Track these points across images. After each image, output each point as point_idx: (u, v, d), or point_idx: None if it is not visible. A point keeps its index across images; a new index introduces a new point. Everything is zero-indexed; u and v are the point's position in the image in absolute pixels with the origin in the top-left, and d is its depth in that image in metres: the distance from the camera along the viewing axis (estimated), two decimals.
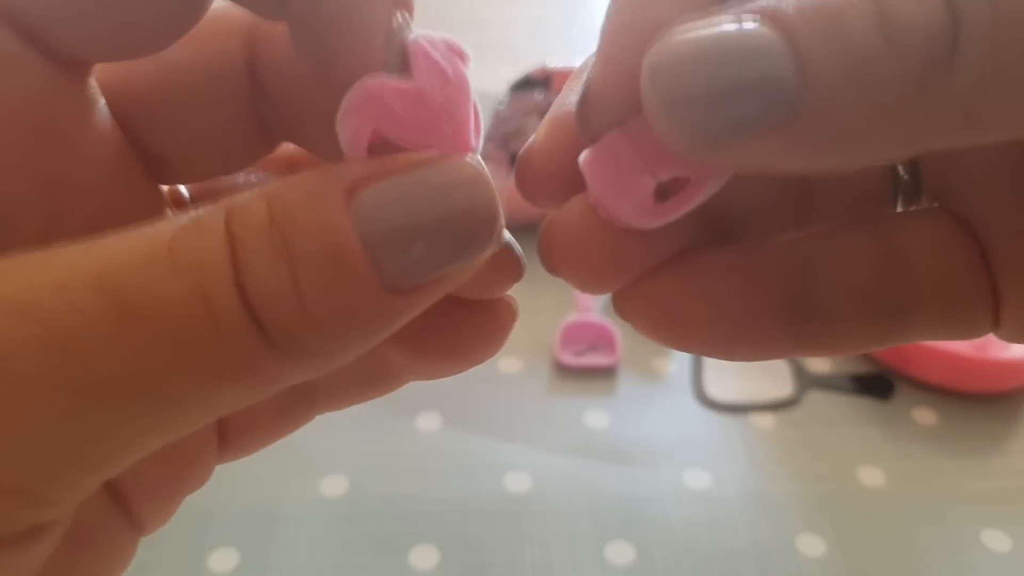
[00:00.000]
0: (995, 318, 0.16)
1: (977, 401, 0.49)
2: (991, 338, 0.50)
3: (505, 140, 0.62)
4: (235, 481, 0.43)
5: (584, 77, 0.15)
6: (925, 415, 0.48)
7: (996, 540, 0.42)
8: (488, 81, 0.79)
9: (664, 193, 0.15)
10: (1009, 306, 0.16)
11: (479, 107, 0.15)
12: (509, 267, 0.16)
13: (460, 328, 0.17)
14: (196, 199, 0.17)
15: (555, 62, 0.64)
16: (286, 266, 0.11)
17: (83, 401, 0.11)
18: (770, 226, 0.17)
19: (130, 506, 0.16)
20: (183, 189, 0.17)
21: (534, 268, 0.53)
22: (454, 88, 0.14)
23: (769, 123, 0.12)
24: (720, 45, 0.12)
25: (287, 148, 0.17)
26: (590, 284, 0.16)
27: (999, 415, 0.48)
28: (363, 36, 0.13)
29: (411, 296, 0.13)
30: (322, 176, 0.12)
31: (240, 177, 0.17)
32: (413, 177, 0.12)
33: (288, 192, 0.12)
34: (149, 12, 0.13)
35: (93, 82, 0.14)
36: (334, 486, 0.43)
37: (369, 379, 0.19)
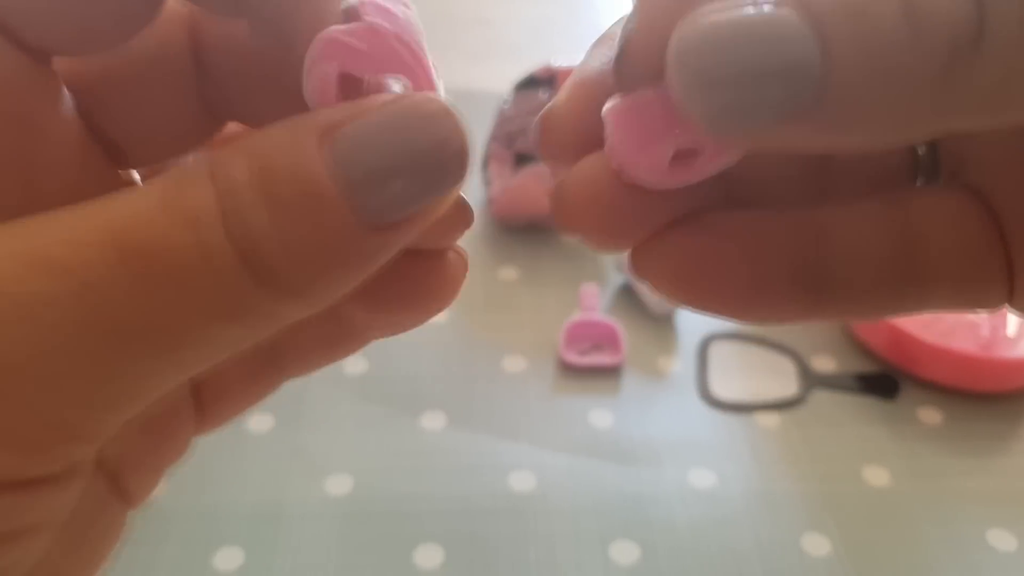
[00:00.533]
0: (1009, 291, 0.16)
1: (983, 400, 0.49)
2: (997, 338, 0.50)
3: (510, 139, 0.62)
4: (240, 480, 0.43)
5: (621, 31, 0.15)
6: (931, 414, 0.48)
7: (1002, 540, 0.42)
8: (492, 80, 0.79)
9: (681, 157, 0.15)
10: (1023, 278, 0.16)
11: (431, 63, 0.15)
12: (460, 215, 0.16)
13: (415, 279, 0.17)
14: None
15: (559, 61, 0.63)
16: (267, 212, 0.12)
17: (105, 344, 0.12)
18: (787, 196, 0.18)
19: (118, 478, 0.17)
20: (135, 174, 0.17)
21: (538, 269, 0.53)
22: (402, 20, 0.14)
23: (794, 108, 0.12)
24: (747, 29, 0.12)
25: (233, 128, 0.17)
26: (603, 241, 0.16)
27: (1005, 414, 0.48)
28: (318, 19, 0.14)
29: (389, 233, 0.13)
30: (296, 123, 0.13)
31: (189, 159, 0.17)
32: (383, 115, 0.13)
33: (265, 142, 0.13)
34: (108, 10, 0.14)
35: (55, 68, 0.15)
36: (339, 485, 0.44)
37: (333, 339, 0.19)
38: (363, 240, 0.13)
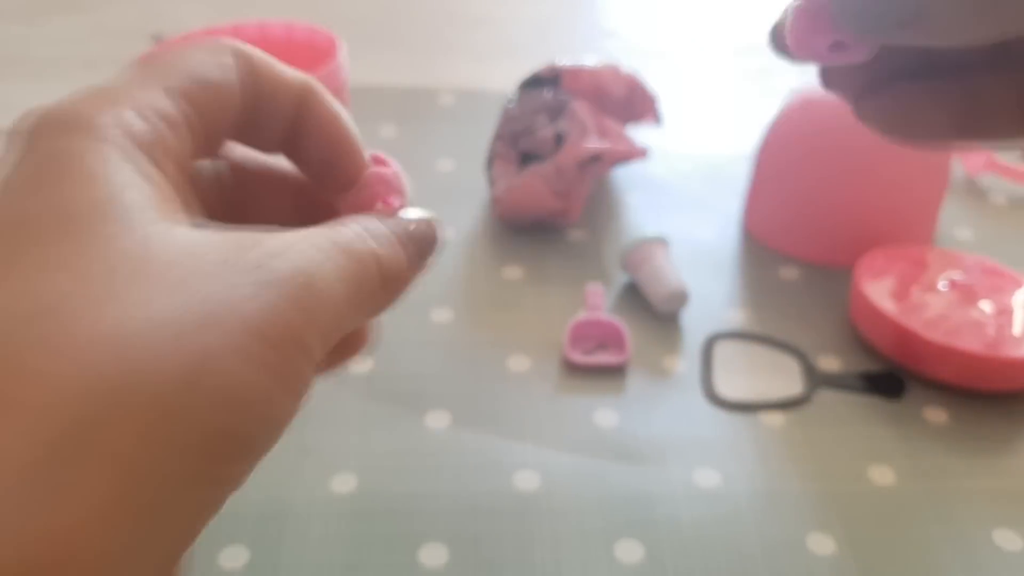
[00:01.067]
0: None
1: (988, 400, 0.49)
2: (1003, 337, 0.50)
3: (514, 138, 0.62)
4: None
5: None
6: (936, 414, 0.48)
7: (1007, 539, 0.41)
8: (497, 79, 0.79)
9: (837, 46, 0.24)
10: None
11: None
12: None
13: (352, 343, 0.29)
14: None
15: (564, 60, 0.63)
16: (402, 267, 0.26)
17: (363, 308, 0.24)
18: (962, 66, 0.26)
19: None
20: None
21: (542, 268, 0.53)
22: (394, 164, 0.28)
23: (903, 21, 0.22)
24: None
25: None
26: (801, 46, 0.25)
27: (1010, 414, 0.48)
28: (359, 165, 0.27)
29: (420, 271, 0.26)
30: (390, 224, 0.26)
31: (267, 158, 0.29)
32: (420, 224, 0.26)
33: (388, 251, 0.25)
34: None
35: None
36: (344, 484, 0.44)
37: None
38: (412, 275, 0.26)
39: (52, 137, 0.23)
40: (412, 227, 0.27)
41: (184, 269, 0.21)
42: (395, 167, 0.28)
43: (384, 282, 0.25)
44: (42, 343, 0.18)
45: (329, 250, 0.23)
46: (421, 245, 0.27)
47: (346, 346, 0.28)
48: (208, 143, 0.26)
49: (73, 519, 0.18)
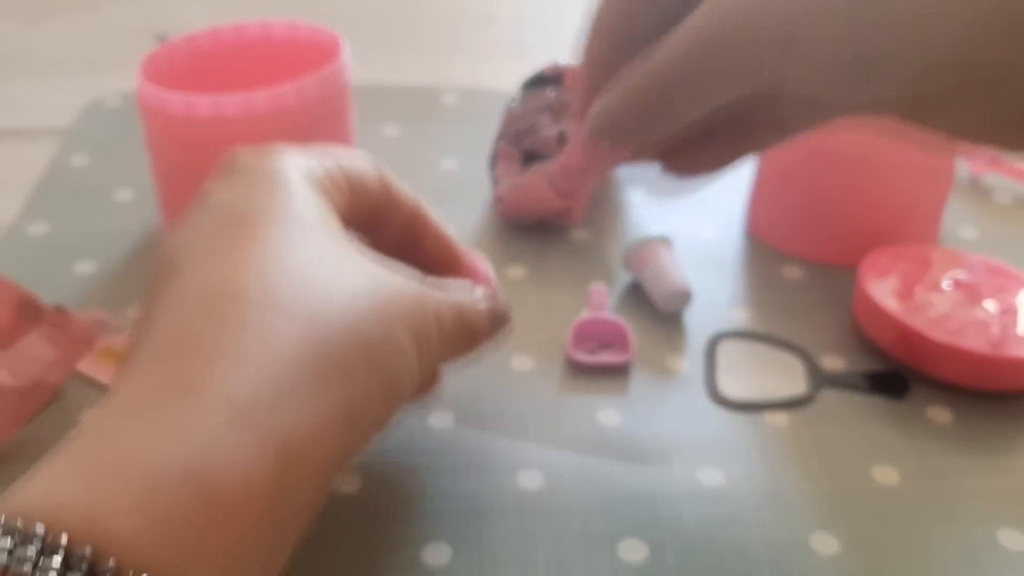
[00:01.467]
0: None
1: (993, 399, 0.49)
2: (1007, 336, 0.50)
3: (518, 137, 0.62)
4: None
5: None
6: (940, 413, 0.48)
7: (1012, 539, 0.41)
8: (500, 79, 0.79)
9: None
10: None
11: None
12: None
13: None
14: None
15: (567, 59, 0.63)
16: (488, 321, 0.37)
17: (454, 350, 0.35)
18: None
19: None
20: None
21: (546, 267, 0.53)
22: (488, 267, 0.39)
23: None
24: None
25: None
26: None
27: (1015, 413, 0.48)
28: (458, 257, 0.39)
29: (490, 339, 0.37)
30: (481, 300, 0.36)
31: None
32: (500, 301, 0.38)
33: (480, 316, 0.36)
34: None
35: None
36: (347, 484, 0.44)
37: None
38: (487, 339, 0.36)
39: (249, 159, 0.29)
40: (498, 304, 0.37)
41: (365, 268, 0.28)
42: (486, 264, 0.39)
43: (472, 335, 0.34)
44: (278, 305, 0.25)
45: (452, 303, 0.32)
46: (500, 318, 0.37)
47: (426, 378, 0.37)
48: (350, 219, 0.32)
49: (316, 423, 0.25)
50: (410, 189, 0.39)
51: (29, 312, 0.44)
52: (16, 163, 0.69)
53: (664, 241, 0.56)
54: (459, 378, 0.49)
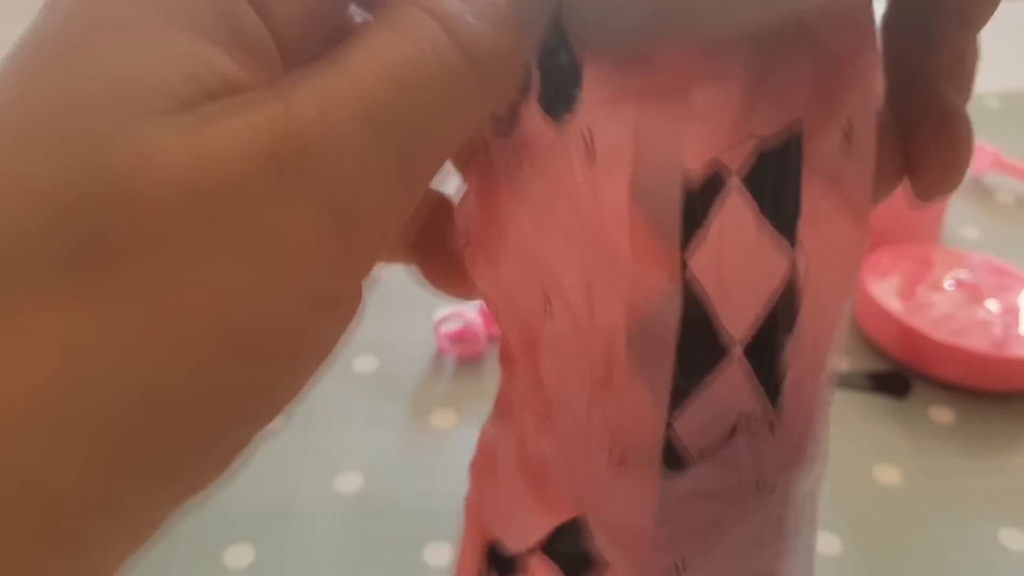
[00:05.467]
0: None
1: (995, 399, 0.48)
2: (1009, 336, 0.49)
3: None
4: (251, 478, 0.43)
5: None
6: (942, 413, 0.48)
7: (1014, 539, 0.41)
8: None
9: None
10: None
11: None
12: None
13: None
14: None
15: None
16: (481, 27, 0.16)
17: (442, 109, 0.16)
18: None
19: None
20: None
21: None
22: None
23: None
24: None
25: None
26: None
27: (1017, 413, 0.48)
28: None
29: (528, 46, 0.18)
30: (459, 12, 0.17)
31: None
32: None
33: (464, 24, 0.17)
34: None
35: None
36: (349, 483, 0.44)
37: None
38: (515, 49, 0.17)
39: None
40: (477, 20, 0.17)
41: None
42: None
43: (472, 63, 0.16)
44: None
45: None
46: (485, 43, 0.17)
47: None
48: None
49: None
50: None
51: None
52: None
53: None
54: (460, 377, 0.49)
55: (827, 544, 0.41)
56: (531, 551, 0.21)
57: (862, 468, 0.45)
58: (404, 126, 0.15)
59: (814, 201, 0.18)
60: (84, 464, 0.14)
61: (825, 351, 0.19)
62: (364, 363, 0.50)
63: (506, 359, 0.21)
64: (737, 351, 0.18)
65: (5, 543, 0.14)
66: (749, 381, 0.18)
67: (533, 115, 0.18)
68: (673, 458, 0.18)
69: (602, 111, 0.17)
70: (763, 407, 0.19)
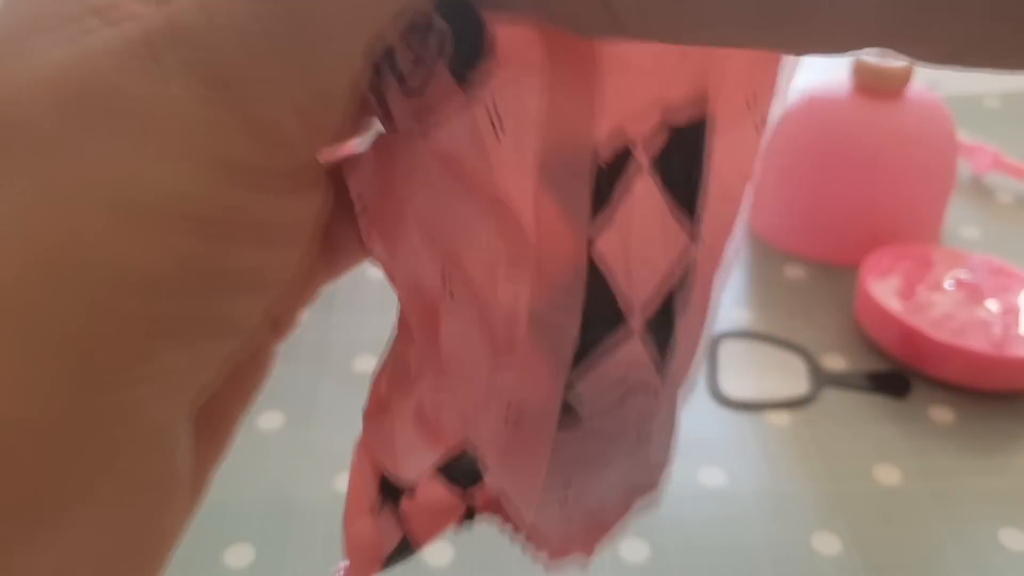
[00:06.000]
0: None
1: (994, 399, 0.48)
2: (1009, 336, 0.49)
3: None
4: (251, 477, 0.43)
5: None
6: (942, 413, 0.48)
7: (1014, 539, 0.41)
8: None
9: None
10: None
11: None
12: None
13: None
14: None
15: None
16: None
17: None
18: None
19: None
20: None
21: None
22: None
23: None
24: None
25: None
26: None
27: (1017, 413, 0.48)
28: None
29: None
30: None
31: None
32: None
33: None
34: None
35: None
36: (347, 483, 0.44)
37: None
38: None
39: None
40: None
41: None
42: None
43: None
44: None
45: None
46: None
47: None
48: None
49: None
50: None
51: None
52: None
53: None
54: None
55: (826, 543, 0.41)
56: (423, 475, 0.22)
57: (862, 468, 0.45)
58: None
59: (716, 175, 0.18)
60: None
61: (705, 322, 0.20)
62: (364, 363, 0.50)
63: (404, 326, 0.21)
64: (638, 323, 0.18)
65: None
66: (647, 352, 0.19)
67: (442, 78, 0.17)
68: (567, 419, 0.19)
69: (510, 79, 0.16)
70: (654, 375, 0.19)
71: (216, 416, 0.20)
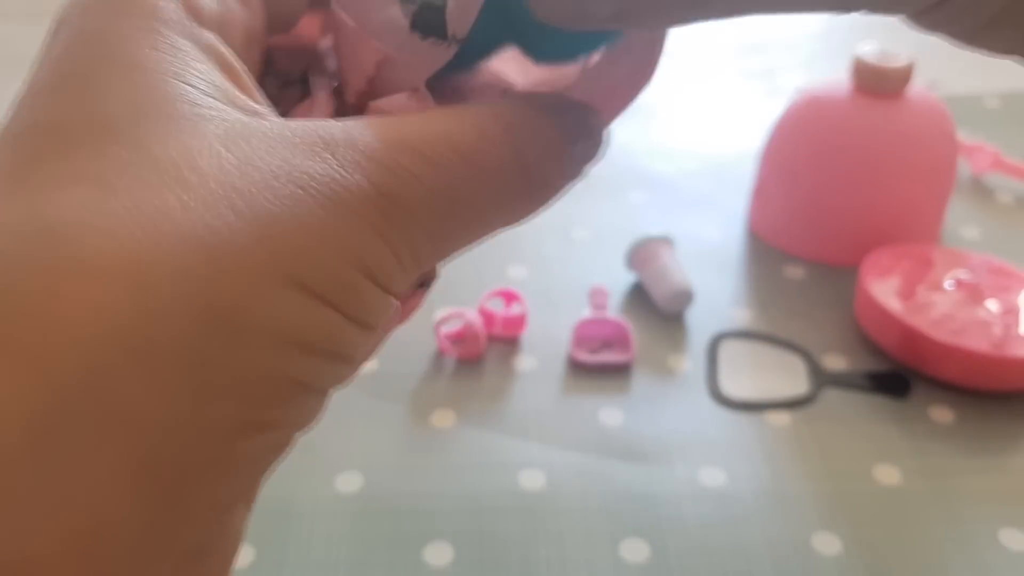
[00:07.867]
0: None
1: (994, 399, 0.48)
2: (1009, 336, 0.49)
3: None
4: None
5: None
6: (942, 413, 0.48)
7: (1014, 539, 0.41)
8: None
9: None
10: None
11: None
12: None
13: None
14: None
15: None
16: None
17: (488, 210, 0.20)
18: None
19: None
20: None
21: (547, 267, 0.52)
22: None
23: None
24: None
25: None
26: None
27: (1017, 413, 0.48)
28: None
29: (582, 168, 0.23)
30: (527, 115, 0.21)
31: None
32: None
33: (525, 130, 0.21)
34: None
35: None
36: (349, 483, 0.44)
37: None
38: (569, 169, 0.22)
39: (94, 21, 0.18)
40: (565, 107, 0.19)
41: (240, 175, 0.15)
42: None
43: (525, 175, 0.18)
44: (46, 273, 0.14)
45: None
46: (578, 122, 0.19)
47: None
48: (282, 21, 0.21)
49: (80, 502, 0.13)
50: None
51: None
52: None
53: (666, 241, 0.56)
54: (461, 377, 0.50)
55: (826, 543, 0.41)
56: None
57: (862, 468, 0.45)
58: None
59: None
60: None
61: None
62: (364, 363, 0.50)
63: None
64: None
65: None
66: None
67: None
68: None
69: None
70: None
71: None
